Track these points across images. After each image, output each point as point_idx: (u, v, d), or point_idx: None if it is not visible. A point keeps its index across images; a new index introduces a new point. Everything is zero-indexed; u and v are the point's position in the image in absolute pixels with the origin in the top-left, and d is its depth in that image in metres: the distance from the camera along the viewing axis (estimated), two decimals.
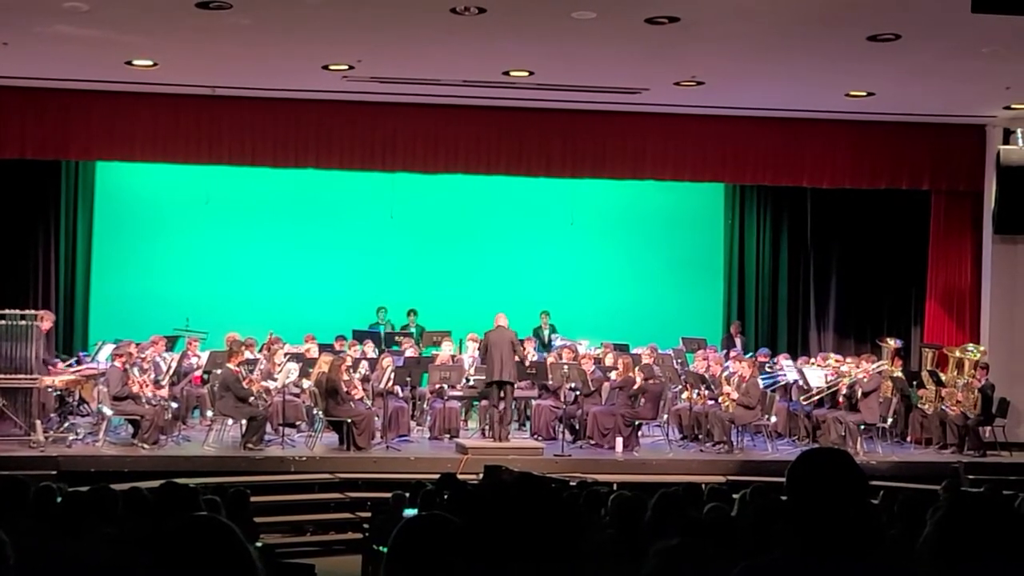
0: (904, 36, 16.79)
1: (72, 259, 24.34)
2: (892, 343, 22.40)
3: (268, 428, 19.54)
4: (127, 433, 19.28)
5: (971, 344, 22.47)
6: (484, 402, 20.53)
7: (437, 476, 14.19)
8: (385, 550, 4.09)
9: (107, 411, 18.86)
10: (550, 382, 20.75)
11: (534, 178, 23.96)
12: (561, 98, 21.53)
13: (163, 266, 25.24)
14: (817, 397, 21.02)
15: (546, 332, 24.38)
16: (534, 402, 21.23)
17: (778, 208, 26.52)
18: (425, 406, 21.44)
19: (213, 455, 18.69)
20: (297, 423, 20.38)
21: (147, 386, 19.11)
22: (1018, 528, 3.84)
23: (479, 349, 20.87)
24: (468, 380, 21.26)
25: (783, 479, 4.19)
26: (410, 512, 11.86)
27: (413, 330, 23.90)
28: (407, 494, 13.65)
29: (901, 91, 20.57)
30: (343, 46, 18.34)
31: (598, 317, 25.39)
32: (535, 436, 20.67)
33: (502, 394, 19.64)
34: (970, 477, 19.16)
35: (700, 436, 20.72)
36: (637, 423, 20.37)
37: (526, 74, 19.92)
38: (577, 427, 20.62)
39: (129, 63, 19.45)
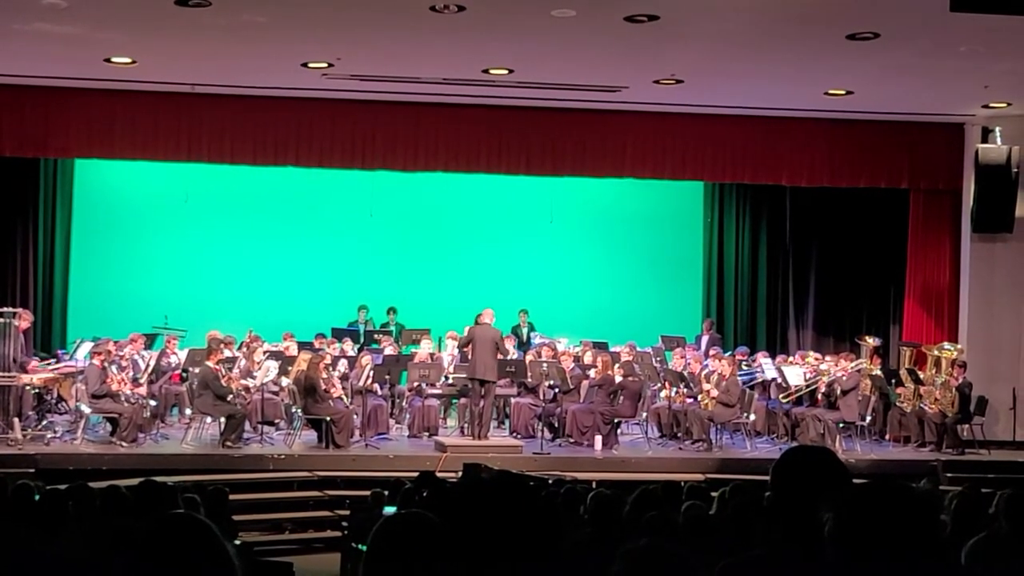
0: (883, 35, 16.83)
1: (51, 257, 24.27)
2: (871, 341, 22.44)
3: (247, 426, 19.49)
4: (105, 431, 19.22)
5: (947, 342, 22.51)
6: (463, 400, 20.53)
7: (416, 474, 14.17)
8: (364, 548, 4.08)
9: (85, 409, 18.81)
10: (529, 380, 20.75)
11: (514, 176, 23.95)
12: (541, 96, 21.53)
13: (142, 264, 25.19)
14: (796, 395, 21.06)
15: (524, 330, 24.36)
16: (513, 400, 21.21)
17: (757, 206, 26.56)
18: (404, 404, 21.43)
19: (192, 453, 18.67)
20: (276, 421, 20.34)
21: (126, 384, 19.06)
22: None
23: (460, 343, 20.84)
24: (447, 378, 21.25)
25: (762, 477, 4.20)
26: (389, 510, 11.86)
27: (392, 328, 23.87)
28: (386, 492, 13.68)
29: (880, 90, 20.62)
30: (322, 44, 18.32)
31: (577, 315, 25.39)
32: (514, 434, 20.67)
33: (482, 392, 19.63)
34: (948, 475, 19.22)
35: (679, 434, 20.74)
36: (616, 421, 20.39)
37: (506, 72, 19.92)
38: (556, 425, 20.62)
39: (108, 61, 19.41)
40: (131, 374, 19.58)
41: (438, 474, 14.77)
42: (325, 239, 25.98)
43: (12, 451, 17.77)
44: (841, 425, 20.43)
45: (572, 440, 20.27)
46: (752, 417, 20.78)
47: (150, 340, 21.67)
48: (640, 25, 16.47)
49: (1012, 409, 22.44)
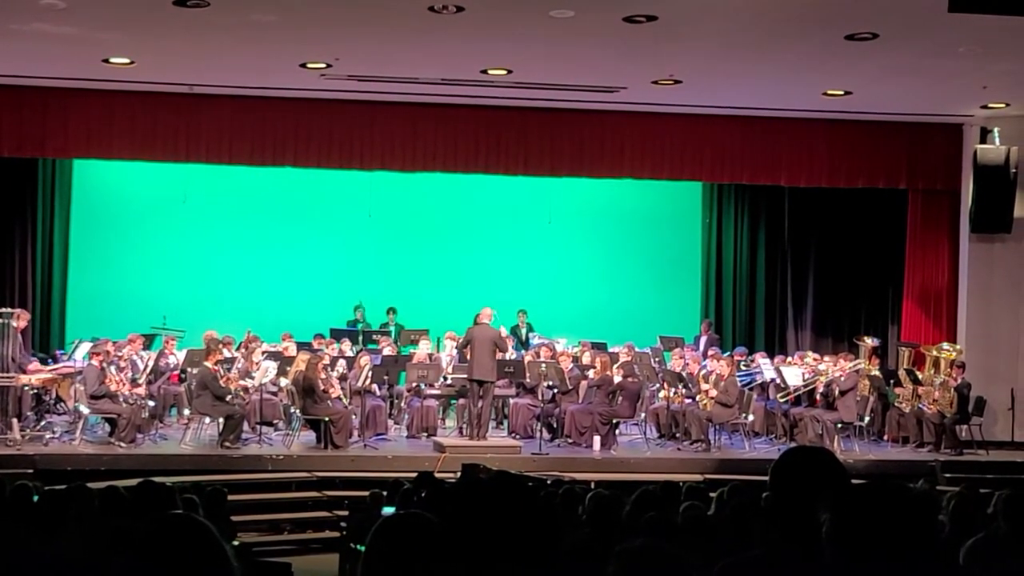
0: (881, 35, 16.83)
1: (49, 257, 24.27)
2: (869, 342, 22.45)
3: (245, 426, 19.49)
4: (104, 431, 19.22)
5: (946, 343, 22.53)
6: (462, 401, 20.52)
7: (414, 475, 14.18)
8: (362, 549, 4.08)
9: (84, 409, 18.81)
10: (528, 380, 20.74)
11: (512, 176, 23.95)
12: (539, 96, 21.53)
13: (140, 264, 25.19)
14: (794, 395, 21.05)
15: (523, 331, 24.37)
16: (512, 400, 21.21)
17: (756, 207, 26.56)
18: (403, 404, 21.43)
19: (190, 453, 18.66)
20: (274, 421, 20.36)
21: (124, 384, 19.07)
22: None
23: (459, 344, 20.86)
24: (446, 379, 21.25)
25: (761, 477, 4.21)
26: (388, 511, 11.87)
27: (392, 328, 23.86)
28: (384, 492, 13.67)
29: (878, 90, 20.62)
30: (321, 44, 18.32)
31: (576, 315, 25.40)
32: (513, 435, 20.67)
33: (481, 392, 19.63)
34: (946, 476, 19.22)
35: (677, 435, 20.75)
36: (615, 421, 20.38)
37: (504, 72, 19.92)
38: (555, 425, 20.61)
39: (106, 61, 19.40)
40: (129, 374, 19.59)
41: (437, 474, 14.77)
42: (323, 239, 25.98)
43: (11, 452, 17.75)
44: (839, 425, 20.43)
45: (571, 440, 20.26)
46: (750, 417, 20.79)
47: (148, 340, 21.67)
48: (638, 26, 16.47)
49: (1010, 409, 22.44)
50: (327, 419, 19.17)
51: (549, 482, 13.82)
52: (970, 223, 22.89)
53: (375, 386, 20.83)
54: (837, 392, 20.46)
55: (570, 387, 20.80)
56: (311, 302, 25.18)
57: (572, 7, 15.79)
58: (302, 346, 21.45)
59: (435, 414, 21.11)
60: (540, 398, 20.62)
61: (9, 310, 19.20)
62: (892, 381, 22.27)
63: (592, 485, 14.29)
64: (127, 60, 19.42)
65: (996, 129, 22.47)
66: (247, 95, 21.74)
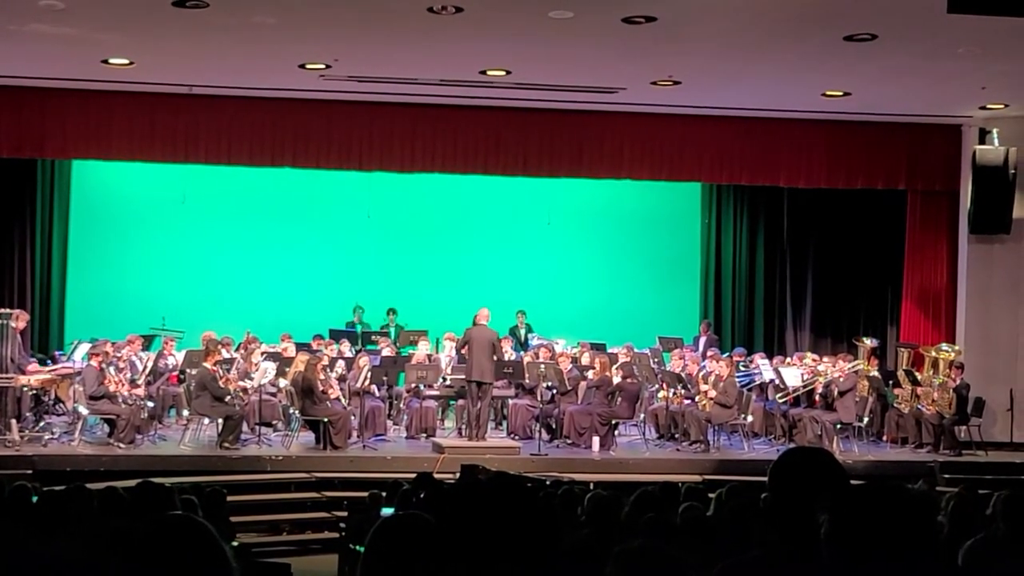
0: (880, 36, 16.83)
1: (48, 258, 24.26)
2: (868, 342, 22.44)
3: (244, 427, 19.50)
4: (103, 432, 19.21)
5: (945, 343, 22.52)
6: (461, 401, 20.52)
7: (414, 475, 14.17)
8: (362, 549, 4.08)
9: (83, 410, 18.81)
10: (527, 381, 20.73)
11: (511, 177, 23.95)
12: (538, 97, 21.53)
13: (139, 265, 25.19)
14: (793, 396, 21.04)
15: (522, 331, 24.37)
16: (511, 401, 21.20)
17: (755, 208, 26.56)
18: (402, 405, 21.41)
19: (189, 454, 18.66)
20: (273, 422, 20.36)
21: (123, 385, 19.06)
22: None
23: (457, 345, 20.88)
24: (445, 379, 21.24)
25: (760, 478, 4.21)
26: (387, 511, 11.86)
27: (392, 329, 23.86)
28: (384, 493, 13.67)
29: (877, 91, 20.62)
30: (320, 45, 18.31)
31: (575, 316, 25.39)
32: (512, 435, 20.66)
33: (480, 393, 19.62)
34: (945, 476, 19.21)
35: (677, 435, 20.75)
36: (614, 422, 20.38)
37: (503, 73, 19.92)
38: (554, 426, 20.60)
39: (105, 62, 19.39)
40: (128, 375, 19.58)
41: (436, 475, 14.76)
42: (322, 240, 25.98)
43: (10, 452, 17.74)
44: (838, 426, 20.43)
45: (570, 441, 20.26)
46: (750, 418, 20.78)
47: (147, 341, 21.66)
48: (638, 26, 16.47)
49: (1009, 410, 22.45)
50: (326, 420, 19.16)
51: (548, 483, 13.81)
52: (969, 224, 22.89)
53: (374, 387, 20.82)
54: (836, 393, 20.46)
55: (569, 388, 20.80)
56: (310, 303, 25.18)
57: (571, 8, 15.79)
58: (301, 347, 21.45)
59: (434, 415, 21.11)
60: (539, 399, 20.60)
61: (8, 311, 19.20)
62: (891, 382, 22.27)
63: (591, 486, 14.25)
64: (126, 61, 19.42)
65: (995, 130, 22.45)
66: (246, 96, 21.72)
